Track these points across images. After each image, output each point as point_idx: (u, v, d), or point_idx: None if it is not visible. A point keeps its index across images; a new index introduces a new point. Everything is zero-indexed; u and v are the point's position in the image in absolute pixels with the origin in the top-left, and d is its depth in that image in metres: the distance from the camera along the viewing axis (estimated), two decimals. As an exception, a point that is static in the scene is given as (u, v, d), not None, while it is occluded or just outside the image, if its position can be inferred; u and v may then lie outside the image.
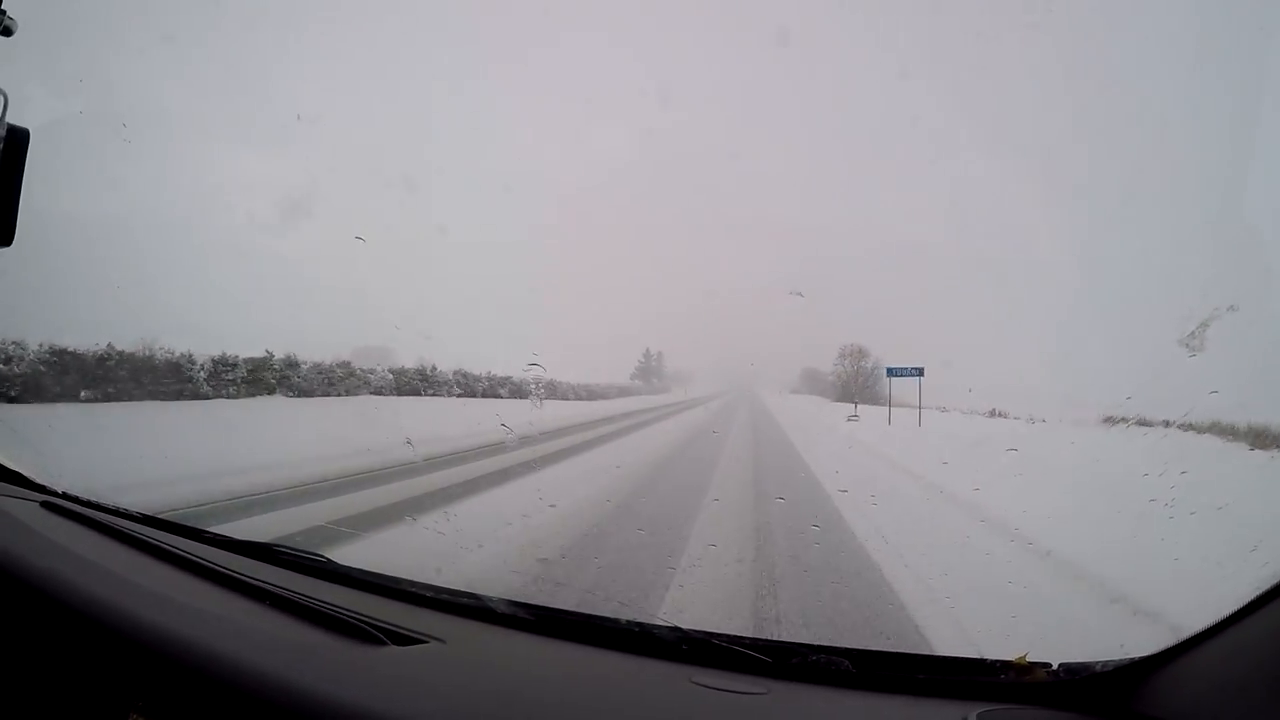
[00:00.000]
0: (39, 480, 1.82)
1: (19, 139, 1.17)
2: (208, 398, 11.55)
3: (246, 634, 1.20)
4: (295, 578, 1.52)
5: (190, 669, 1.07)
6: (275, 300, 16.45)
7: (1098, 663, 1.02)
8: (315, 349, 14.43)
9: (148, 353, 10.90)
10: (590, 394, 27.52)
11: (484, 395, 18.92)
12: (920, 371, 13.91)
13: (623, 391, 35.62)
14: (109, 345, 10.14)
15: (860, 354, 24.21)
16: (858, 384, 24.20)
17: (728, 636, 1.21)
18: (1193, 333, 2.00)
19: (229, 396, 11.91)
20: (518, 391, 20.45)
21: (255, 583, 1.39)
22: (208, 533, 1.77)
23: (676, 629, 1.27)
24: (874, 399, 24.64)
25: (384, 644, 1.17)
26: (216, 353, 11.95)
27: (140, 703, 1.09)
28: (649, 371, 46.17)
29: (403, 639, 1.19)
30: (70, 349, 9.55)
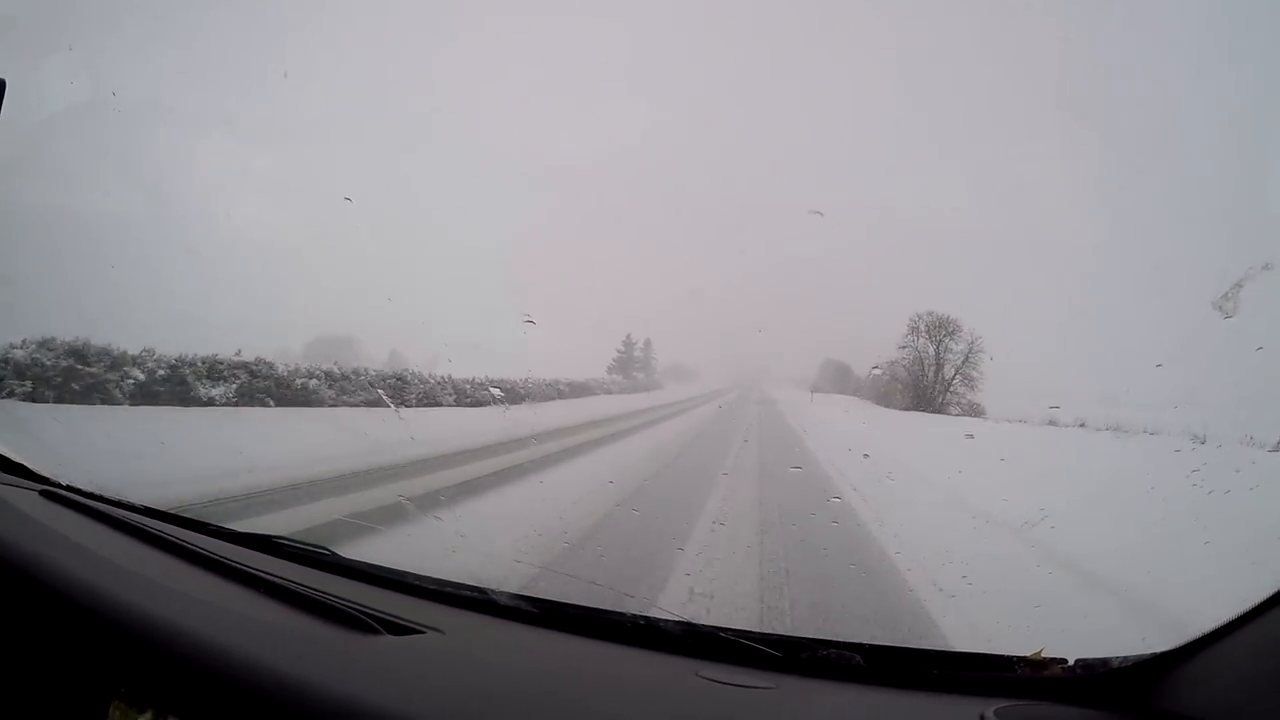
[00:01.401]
0: (42, 472, 1.76)
1: None
2: None
3: (235, 621, 1.17)
4: (298, 569, 1.48)
5: (173, 655, 1.04)
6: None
7: (1116, 658, 1.00)
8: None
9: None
10: (506, 393, 17.57)
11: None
12: None
13: (579, 390, 25.65)
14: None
15: (943, 328, 14.11)
16: (940, 379, 14.07)
17: (736, 630, 1.18)
18: (1226, 294, 1.93)
19: None
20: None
21: (251, 571, 1.36)
22: (211, 525, 1.73)
23: (683, 622, 1.25)
24: (958, 404, 14.19)
25: (379, 633, 1.14)
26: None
27: (122, 689, 1.06)
28: (629, 364, 36.11)
29: (399, 629, 1.17)
30: None
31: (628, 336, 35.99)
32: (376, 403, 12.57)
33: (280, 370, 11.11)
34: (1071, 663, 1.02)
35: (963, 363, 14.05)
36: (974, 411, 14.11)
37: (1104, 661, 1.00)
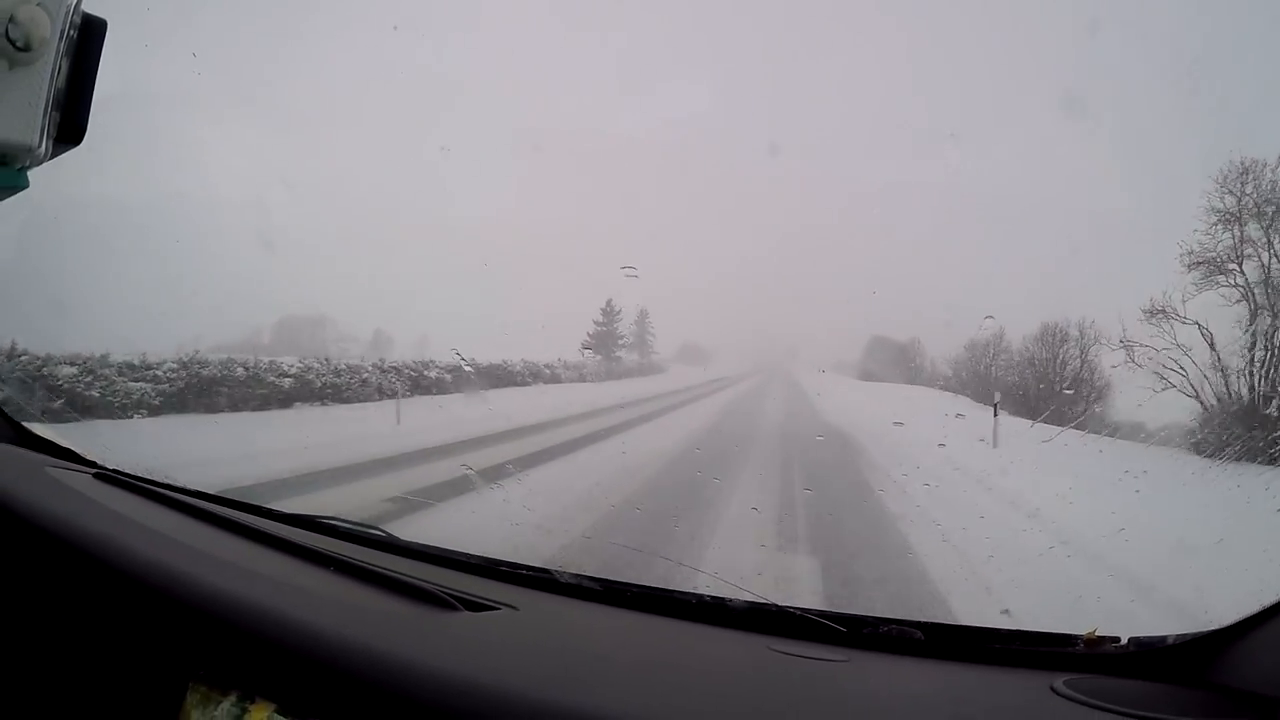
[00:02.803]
0: (90, 457, 1.74)
1: (96, 30, 1.00)
2: None
3: (314, 599, 1.17)
4: (356, 549, 1.48)
5: (258, 635, 1.03)
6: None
7: (1171, 635, 1.03)
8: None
9: None
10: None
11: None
12: None
13: (494, 379, 18.44)
14: None
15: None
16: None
17: (801, 608, 1.21)
18: None
19: None
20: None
21: (319, 549, 1.36)
22: (262, 506, 1.72)
23: (749, 600, 1.28)
24: None
25: (457, 609, 1.15)
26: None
27: (201, 671, 1.05)
28: (610, 341, 27.55)
29: (476, 605, 1.18)
30: None
31: (608, 303, 27.27)
32: None
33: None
34: (1125, 641, 1.06)
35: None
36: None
37: (1160, 639, 1.03)
